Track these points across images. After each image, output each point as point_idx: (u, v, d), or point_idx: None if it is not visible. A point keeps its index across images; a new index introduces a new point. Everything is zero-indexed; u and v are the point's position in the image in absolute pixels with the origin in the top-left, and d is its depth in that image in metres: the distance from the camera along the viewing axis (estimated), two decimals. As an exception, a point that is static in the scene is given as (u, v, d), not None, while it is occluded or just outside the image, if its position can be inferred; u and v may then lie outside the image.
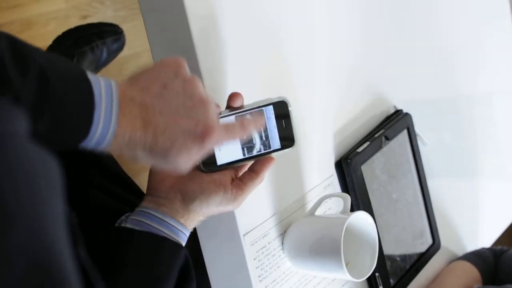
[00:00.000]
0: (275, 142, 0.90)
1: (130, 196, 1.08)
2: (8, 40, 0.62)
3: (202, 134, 0.72)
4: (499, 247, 1.45)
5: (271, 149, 0.90)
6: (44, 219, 0.52)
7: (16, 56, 0.62)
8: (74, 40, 1.63)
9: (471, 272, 1.37)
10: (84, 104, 0.66)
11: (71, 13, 1.90)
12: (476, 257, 1.41)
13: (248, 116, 0.80)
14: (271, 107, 0.89)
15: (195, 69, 0.92)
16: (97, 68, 1.68)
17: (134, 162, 0.72)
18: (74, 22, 1.89)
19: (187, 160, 0.73)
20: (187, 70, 0.75)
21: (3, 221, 0.49)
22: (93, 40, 1.64)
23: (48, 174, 0.55)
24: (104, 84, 0.68)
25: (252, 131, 0.79)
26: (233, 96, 0.88)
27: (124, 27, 1.77)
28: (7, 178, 0.51)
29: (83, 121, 0.66)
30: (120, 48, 1.72)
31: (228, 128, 0.76)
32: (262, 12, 1.02)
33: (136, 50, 1.97)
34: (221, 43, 0.95)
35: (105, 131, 0.67)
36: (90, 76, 0.68)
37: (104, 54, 1.67)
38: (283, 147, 0.91)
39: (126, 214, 0.88)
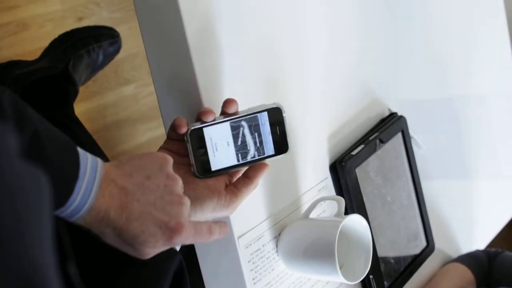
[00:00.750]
0: (269, 148, 0.91)
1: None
2: (11, 96, 0.64)
3: (172, 230, 0.74)
4: (493, 249, 1.46)
5: (265, 155, 0.91)
6: (29, 238, 0.52)
7: (17, 111, 0.64)
8: (70, 43, 1.63)
9: (465, 274, 1.37)
10: (68, 173, 0.68)
11: (67, 15, 1.90)
12: (470, 259, 1.41)
13: (214, 224, 0.81)
14: (265, 113, 0.90)
15: (190, 72, 0.92)
16: (93, 71, 1.69)
17: (101, 238, 0.74)
18: (70, 23, 1.89)
19: (151, 249, 0.75)
20: (171, 167, 0.78)
21: None
22: (90, 43, 1.64)
23: (36, 190, 0.55)
24: (90, 160, 0.71)
25: (217, 237, 0.81)
26: (227, 102, 0.88)
27: (120, 28, 1.77)
28: None
29: (64, 190, 0.68)
30: (116, 51, 1.73)
31: (197, 230, 0.78)
32: (257, 15, 1.02)
33: (132, 51, 1.98)
34: (216, 46, 0.95)
35: (82, 204, 0.69)
36: (80, 150, 0.71)
37: (100, 57, 1.67)
38: (277, 153, 0.91)
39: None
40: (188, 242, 0.78)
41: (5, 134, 0.56)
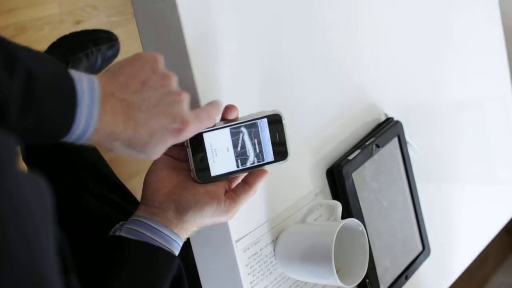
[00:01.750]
0: (269, 155, 0.91)
1: (124, 203, 1.09)
2: None
3: (179, 128, 0.77)
4: None
5: (265, 162, 0.91)
6: (39, 249, 0.53)
7: (4, 55, 0.64)
8: (69, 46, 1.64)
9: None
10: (67, 101, 0.69)
11: (65, 18, 1.90)
12: None
13: (208, 107, 0.85)
14: (265, 119, 0.91)
15: (189, 78, 0.93)
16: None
17: (110, 151, 0.76)
18: (68, 27, 1.90)
19: (161, 150, 0.78)
20: (163, 65, 0.79)
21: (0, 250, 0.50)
22: (88, 47, 1.65)
23: (41, 200, 0.56)
24: (87, 82, 0.71)
25: (215, 116, 0.84)
26: (228, 109, 0.89)
27: (117, 32, 1.78)
28: (5, 207, 0.51)
29: (65, 118, 0.69)
30: (115, 55, 1.73)
31: (199, 119, 0.80)
32: (257, 21, 1.03)
33: (129, 54, 1.98)
34: (215, 52, 0.96)
35: (87, 127, 0.71)
36: (74, 74, 0.71)
37: (99, 61, 1.67)
38: (277, 159, 0.92)
39: (120, 223, 0.89)
40: (194, 133, 0.81)
41: (4, 144, 0.56)
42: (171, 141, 0.77)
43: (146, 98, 0.75)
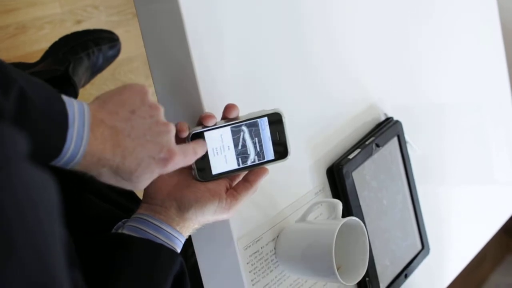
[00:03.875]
0: (269, 153, 0.92)
1: (126, 201, 1.10)
2: None
3: (166, 158, 0.78)
4: None
5: (265, 160, 0.92)
6: (45, 245, 0.54)
7: (0, 75, 0.65)
8: (70, 46, 1.64)
9: None
10: (58, 124, 0.70)
11: (66, 18, 1.91)
12: None
13: (195, 144, 0.86)
14: (265, 118, 0.92)
15: (191, 77, 0.93)
16: (92, 74, 1.69)
17: (98, 178, 0.76)
18: (69, 26, 1.91)
19: (148, 179, 0.78)
20: (151, 97, 0.80)
21: (6, 248, 0.50)
22: (89, 47, 1.65)
23: (49, 198, 0.56)
24: (77, 106, 0.72)
25: (199, 155, 0.85)
26: (229, 108, 0.90)
27: (117, 32, 1.78)
28: (12, 204, 0.52)
29: (57, 140, 0.70)
30: (116, 55, 1.73)
31: (185, 153, 0.81)
32: (259, 21, 1.04)
33: (129, 54, 1.99)
34: (217, 51, 0.96)
35: (77, 150, 0.71)
36: (65, 98, 0.72)
37: (100, 61, 1.68)
38: (277, 158, 0.93)
39: (123, 220, 0.89)
40: (178, 166, 0.81)
41: (13, 139, 0.57)
42: (158, 171, 0.78)
43: (135, 126, 0.76)
